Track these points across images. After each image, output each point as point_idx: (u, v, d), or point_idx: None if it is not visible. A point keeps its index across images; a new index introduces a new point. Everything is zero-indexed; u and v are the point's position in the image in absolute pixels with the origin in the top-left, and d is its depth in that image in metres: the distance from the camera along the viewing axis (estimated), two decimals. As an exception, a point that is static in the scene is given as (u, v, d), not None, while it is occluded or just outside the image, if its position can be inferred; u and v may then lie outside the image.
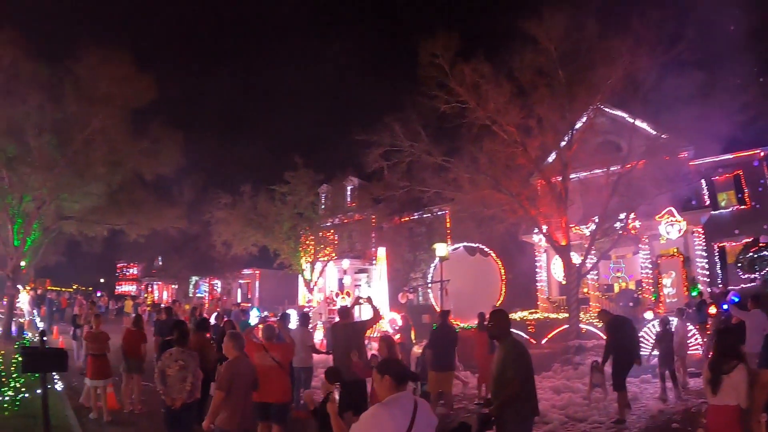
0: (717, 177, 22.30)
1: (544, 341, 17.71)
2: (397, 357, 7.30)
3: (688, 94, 13.64)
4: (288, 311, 15.66)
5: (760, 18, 16.39)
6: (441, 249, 19.04)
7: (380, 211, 27.98)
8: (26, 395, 9.12)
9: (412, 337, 13.83)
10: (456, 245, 21.78)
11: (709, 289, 19.23)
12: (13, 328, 19.72)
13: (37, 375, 8.05)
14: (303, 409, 8.32)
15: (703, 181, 21.47)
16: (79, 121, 19.12)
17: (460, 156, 17.21)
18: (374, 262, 25.12)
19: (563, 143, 16.60)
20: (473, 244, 21.23)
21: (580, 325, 16.37)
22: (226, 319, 12.71)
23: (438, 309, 17.03)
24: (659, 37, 14.69)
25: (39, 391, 7.29)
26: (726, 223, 21.51)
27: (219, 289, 41.61)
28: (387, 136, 17.27)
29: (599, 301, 20.49)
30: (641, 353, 9.82)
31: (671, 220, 18.95)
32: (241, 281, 41.40)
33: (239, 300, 37.62)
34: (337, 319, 8.47)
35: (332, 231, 29.72)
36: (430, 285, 21.75)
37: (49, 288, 30.69)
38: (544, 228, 16.77)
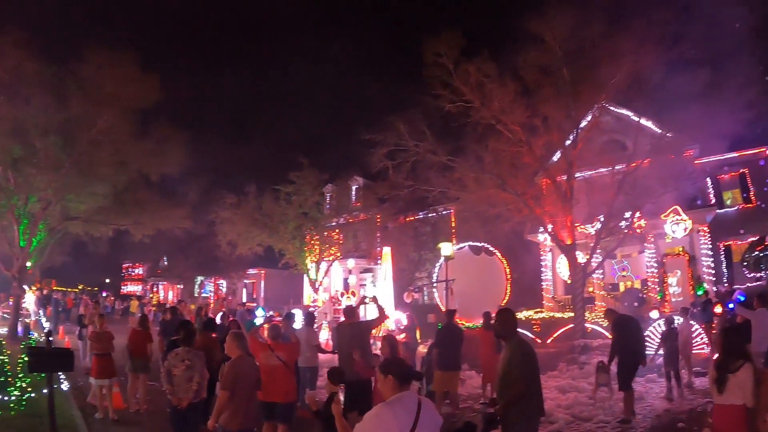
0: (722, 175, 22.27)
1: (549, 340, 17.72)
2: (399, 356, 7.30)
3: (694, 93, 13.55)
4: (293, 311, 15.62)
5: (766, 15, 16.28)
6: (446, 248, 18.99)
7: (385, 211, 28.05)
8: (32, 395, 9.17)
9: (417, 336, 13.81)
10: (461, 244, 21.72)
11: (714, 288, 19.14)
12: (19, 328, 19.81)
13: (43, 375, 8.08)
14: (308, 409, 8.33)
15: (708, 179, 21.43)
16: (84, 121, 19.15)
17: (465, 155, 17.18)
18: (379, 261, 25.15)
19: (568, 142, 16.54)
20: (478, 244, 21.17)
21: (586, 325, 16.33)
22: (231, 318, 12.74)
23: (443, 308, 17.01)
24: (664, 35, 14.63)
25: (45, 390, 7.34)
26: (731, 221, 21.45)
27: (224, 289, 41.67)
28: (392, 135, 17.26)
29: (605, 300, 20.46)
30: (647, 353, 9.78)
31: (677, 219, 18.87)
32: (246, 281, 41.46)
33: (244, 300, 37.66)
34: (342, 318, 8.48)
35: (337, 231, 29.72)
36: (435, 284, 21.69)
37: (54, 288, 30.76)
38: (550, 227, 16.72)
